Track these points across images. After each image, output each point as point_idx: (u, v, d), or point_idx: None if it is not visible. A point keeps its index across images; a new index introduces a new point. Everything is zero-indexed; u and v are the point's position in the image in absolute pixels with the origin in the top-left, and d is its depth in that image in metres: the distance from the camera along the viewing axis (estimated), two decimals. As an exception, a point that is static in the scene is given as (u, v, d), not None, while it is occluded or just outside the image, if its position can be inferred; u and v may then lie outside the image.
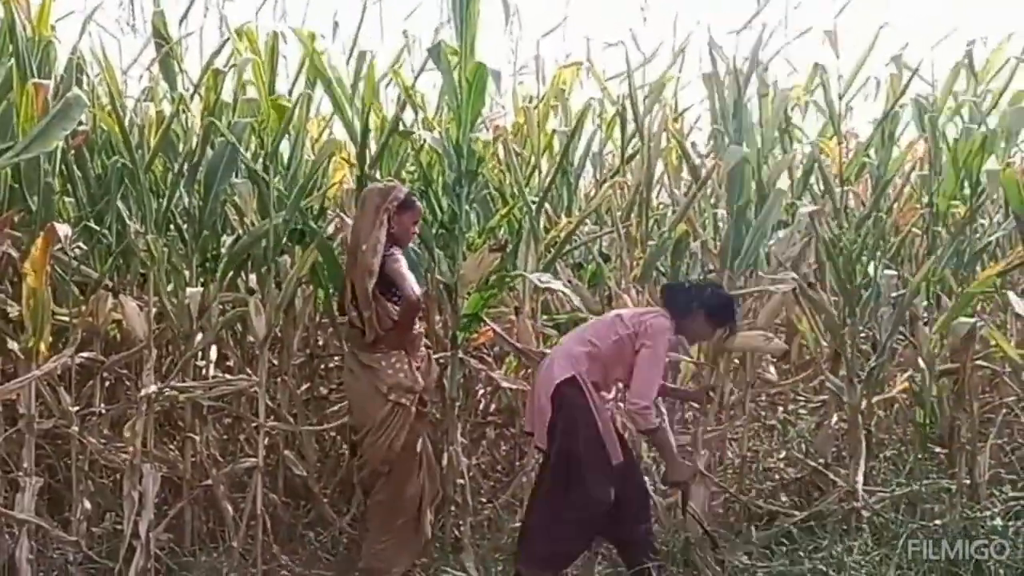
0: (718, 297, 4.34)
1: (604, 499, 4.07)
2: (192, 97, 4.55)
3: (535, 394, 4.26)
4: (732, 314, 4.35)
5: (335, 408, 5.59)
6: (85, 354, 4.40)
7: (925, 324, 4.81)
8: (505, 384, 5.01)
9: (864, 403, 4.81)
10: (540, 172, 5.23)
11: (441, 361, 4.68)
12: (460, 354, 4.78)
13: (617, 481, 4.11)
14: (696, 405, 4.83)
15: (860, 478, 4.64)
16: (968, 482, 4.90)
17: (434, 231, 4.79)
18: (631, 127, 5.18)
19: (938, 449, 5.28)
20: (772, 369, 5.70)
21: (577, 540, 4.21)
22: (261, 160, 4.56)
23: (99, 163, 4.50)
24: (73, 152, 4.28)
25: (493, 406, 5.61)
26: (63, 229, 3.80)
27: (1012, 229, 5.03)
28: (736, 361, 5.11)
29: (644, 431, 4.28)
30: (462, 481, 4.77)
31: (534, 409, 4.26)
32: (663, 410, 4.59)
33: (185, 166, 4.38)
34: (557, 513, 4.11)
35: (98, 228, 4.40)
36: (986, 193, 4.94)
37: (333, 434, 5.54)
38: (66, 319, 4.25)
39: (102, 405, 4.51)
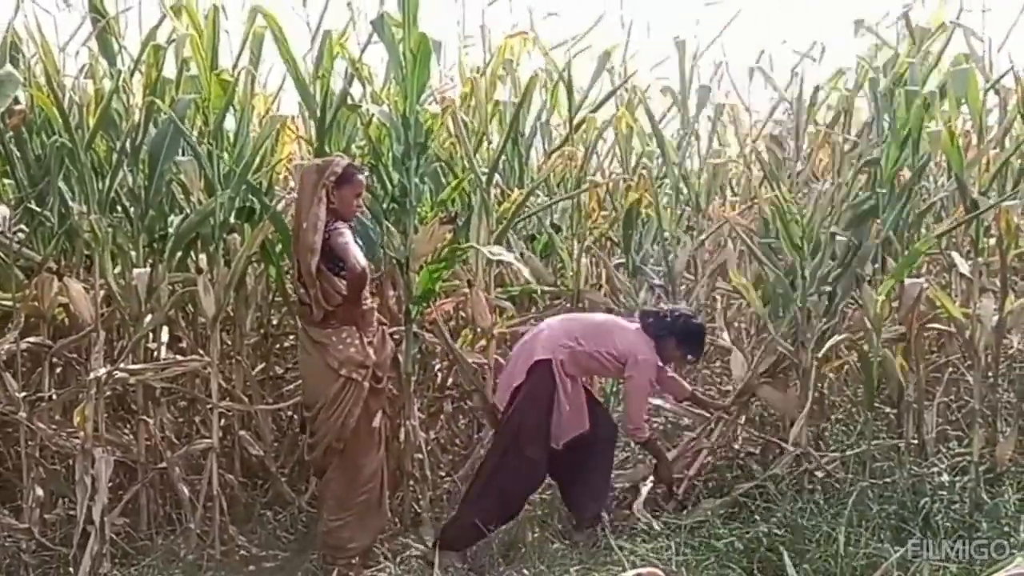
0: (689, 327, 4.66)
1: (537, 467, 4.39)
2: (133, 74, 4.45)
3: (512, 358, 4.63)
4: (701, 343, 4.79)
5: (291, 387, 5.57)
6: (32, 339, 4.34)
7: (870, 284, 4.88)
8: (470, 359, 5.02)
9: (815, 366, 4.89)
10: (490, 143, 5.21)
11: (396, 336, 4.67)
12: (415, 328, 4.78)
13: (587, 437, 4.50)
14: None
15: (803, 438, 4.75)
16: (916, 440, 5.02)
17: (385, 206, 4.76)
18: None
19: (888, 409, 5.39)
20: (725, 335, 5.74)
21: (501, 510, 4.39)
22: (206, 137, 4.50)
23: (38, 143, 4.40)
24: (11, 132, 4.18)
25: (450, 380, 5.61)
26: (1, 211, 3.73)
27: (954, 190, 5.12)
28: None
29: (638, 443, 4.88)
30: (420, 455, 4.79)
31: (505, 372, 4.62)
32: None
33: (128, 145, 4.30)
34: (490, 477, 4.42)
35: (40, 210, 4.31)
36: (928, 156, 5.02)
37: (290, 413, 5.51)
38: (10, 303, 4.17)
39: (52, 390, 4.44)
